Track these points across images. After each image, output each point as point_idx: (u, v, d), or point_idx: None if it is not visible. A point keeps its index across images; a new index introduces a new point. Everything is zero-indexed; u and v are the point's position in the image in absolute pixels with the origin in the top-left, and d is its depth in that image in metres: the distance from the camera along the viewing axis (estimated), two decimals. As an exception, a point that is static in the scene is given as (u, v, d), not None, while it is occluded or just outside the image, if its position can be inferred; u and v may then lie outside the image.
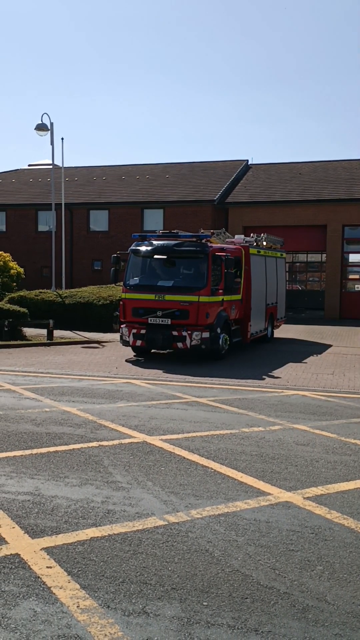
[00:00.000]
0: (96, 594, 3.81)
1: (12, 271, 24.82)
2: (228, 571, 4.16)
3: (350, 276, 28.76)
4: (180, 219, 28.87)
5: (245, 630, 3.45)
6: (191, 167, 35.42)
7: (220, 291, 14.78)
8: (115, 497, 5.48)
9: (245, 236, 18.62)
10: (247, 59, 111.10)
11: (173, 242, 14.95)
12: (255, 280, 17.26)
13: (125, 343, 14.93)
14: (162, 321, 14.32)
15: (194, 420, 8.61)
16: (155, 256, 14.90)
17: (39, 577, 4.01)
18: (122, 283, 15.47)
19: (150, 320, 14.42)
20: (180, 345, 14.19)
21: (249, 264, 16.86)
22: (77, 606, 3.66)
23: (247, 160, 35.58)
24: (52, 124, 24.34)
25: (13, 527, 4.79)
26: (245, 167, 34.64)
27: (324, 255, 29.18)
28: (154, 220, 30.46)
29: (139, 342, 14.65)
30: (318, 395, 10.85)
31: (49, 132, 24.15)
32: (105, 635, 3.37)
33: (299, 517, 5.12)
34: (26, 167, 40.64)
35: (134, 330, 14.62)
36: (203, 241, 14.96)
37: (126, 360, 14.69)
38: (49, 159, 30.14)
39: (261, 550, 4.48)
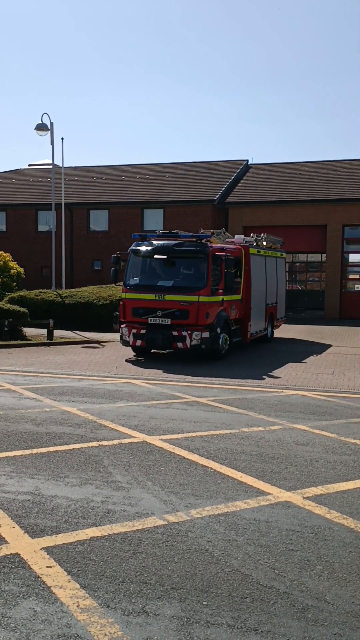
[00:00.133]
0: (96, 594, 3.82)
1: (12, 271, 24.83)
2: (228, 571, 4.17)
3: (350, 276, 28.77)
4: (180, 219, 28.88)
5: (245, 629, 3.46)
6: (191, 167, 35.43)
7: (220, 291, 14.78)
8: (115, 497, 5.48)
9: (245, 236, 18.62)
10: (247, 58, 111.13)
11: (173, 242, 14.96)
12: (255, 280, 17.26)
13: (125, 343, 14.94)
14: (162, 321, 14.33)
15: (194, 420, 8.61)
16: (155, 256, 14.91)
17: (38, 576, 4.02)
18: (122, 283, 15.48)
19: (150, 320, 14.42)
20: (180, 345, 14.19)
21: (249, 264, 16.87)
22: (77, 606, 3.66)
23: (247, 160, 35.60)
24: (52, 123, 24.35)
25: (13, 527, 4.79)
26: (245, 167, 34.65)
27: (324, 255, 29.19)
28: (154, 220, 30.47)
29: (139, 342, 14.65)
30: (318, 395, 10.86)
31: (49, 132, 24.16)
32: (105, 634, 3.38)
33: (299, 516, 5.12)
34: (26, 167, 40.65)
35: (134, 330, 14.63)
36: (203, 241, 14.96)
37: (126, 360, 14.70)
38: (49, 159, 30.19)
39: (261, 550, 4.48)
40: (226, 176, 32.55)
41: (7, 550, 4.39)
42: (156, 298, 14.37)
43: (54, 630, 3.41)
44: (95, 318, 20.81)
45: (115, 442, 7.33)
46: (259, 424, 8.50)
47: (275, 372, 13.31)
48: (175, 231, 16.57)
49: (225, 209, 29.56)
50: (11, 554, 4.34)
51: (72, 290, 23.12)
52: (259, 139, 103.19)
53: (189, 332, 14.08)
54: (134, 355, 15.40)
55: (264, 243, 18.57)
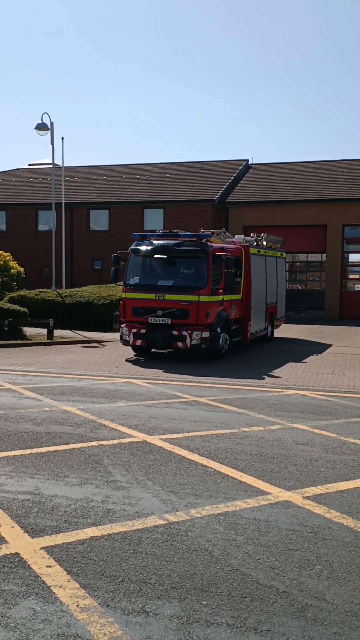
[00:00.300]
0: (96, 593, 3.82)
1: (12, 271, 24.82)
2: (227, 570, 4.17)
3: (350, 276, 28.77)
4: (181, 219, 28.89)
5: (245, 629, 3.46)
6: (191, 167, 35.43)
7: (220, 291, 14.79)
8: (115, 497, 5.49)
9: (245, 236, 18.62)
10: (247, 58, 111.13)
11: (173, 242, 14.96)
12: (255, 280, 17.27)
13: (125, 342, 14.94)
14: (162, 321, 14.33)
15: (194, 420, 8.61)
16: (156, 256, 14.91)
17: (38, 576, 4.02)
18: (122, 282, 15.48)
19: (151, 319, 14.43)
20: (180, 344, 14.20)
21: (249, 263, 16.87)
22: (77, 605, 3.67)
23: (247, 160, 35.58)
24: (52, 123, 24.34)
25: (13, 527, 4.80)
26: (245, 167, 34.64)
27: (324, 255, 29.19)
28: (154, 219, 30.47)
29: (139, 342, 14.66)
30: (318, 394, 10.86)
31: (49, 131, 24.14)
32: (105, 634, 3.38)
33: (299, 516, 5.13)
34: (26, 166, 40.65)
35: (134, 330, 14.63)
36: (203, 241, 14.96)
37: (126, 360, 14.70)
38: (49, 159, 30.18)
39: (260, 550, 4.48)
40: (226, 176, 32.55)
41: (6, 549, 4.39)
42: (156, 298, 14.37)
43: (54, 630, 3.41)
44: (96, 318, 20.82)
45: (115, 441, 7.33)
46: (259, 423, 8.51)
47: (275, 372, 13.31)
48: (175, 231, 16.57)
49: (226, 209, 29.57)
50: (11, 553, 4.34)
51: (72, 289, 23.12)
52: (259, 139, 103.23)
53: (189, 331, 14.09)
54: (134, 355, 15.41)
55: (264, 243, 18.58)
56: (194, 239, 15.07)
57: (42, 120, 23.82)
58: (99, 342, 18.21)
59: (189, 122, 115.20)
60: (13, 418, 8.41)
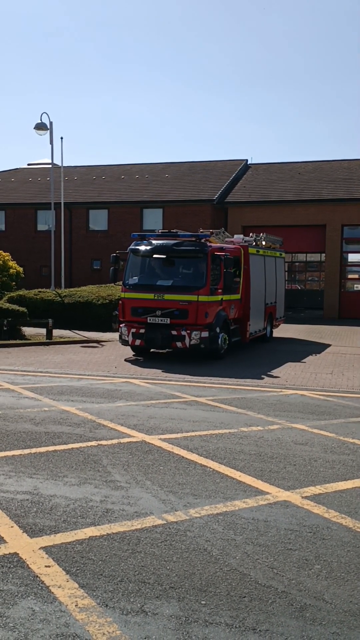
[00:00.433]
0: (94, 593, 3.82)
1: (11, 270, 24.81)
2: (226, 570, 4.17)
3: (350, 276, 28.79)
4: (180, 219, 28.89)
5: (243, 629, 3.46)
6: (190, 167, 35.43)
7: (220, 291, 14.79)
8: (114, 497, 5.49)
9: (244, 236, 18.62)
10: (246, 58, 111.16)
11: (172, 242, 14.96)
12: (255, 279, 17.27)
13: (124, 342, 14.94)
14: (161, 320, 14.34)
15: (193, 420, 8.62)
16: (155, 256, 14.91)
17: (37, 576, 4.02)
18: (121, 282, 15.48)
19: (150, 319, 14.43)
20: (179, 344, 14.20)
21: (248, 263, 16.87)
22: (76, 605, 3.67)
23: (247, 160, 35.59)
24: (51, 123, 24.34)
25: (12, 527, 4.80)
26: (244, 167, 34.65)
27: (323, 255, 29.20)
28: (153, 219, 30.47)
29: (138, 342, 14.66)
30: (317, 394, 10.86)
31: (48, 131, 24.14)
32: (104, 634, 3.38)
33: (297, 516, 5.13)
34: (25, 166, 40.62)
35: (133, 330, 14.63)
36: (202, 241, 14.97)
37: (125, 360, 14.70)
38: (48, 158, 30.22)
39: (259, 550, 4.49)
40: (225, 176, 32.55)
41: (5, 549, 4.39)
42: (155, 297, 14.37)
43: (53, 630, 3.41)
44: (95, 317, 20.82)
45: (114, 441, 7.33)
46: (258, 423, 8.51)
47: (274, 372, 13.32)
48: (174, 231, 16.58)
49: (225, 209, 29.57)
50: (10, 553, 4.34)
51: (72, 289, 23.11)
52: (258, 139, 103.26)
53: (188, 331, 14.09)
54: (133, 355, 15.41)
55: (263, 243, 18.58)
56: (193, 239, 15.07)
57: (41, 120, 23.83)
58: (98, 342, 18.21)
59: (188, 121, 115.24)
60: (12, 418, 8.41)
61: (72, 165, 36.90)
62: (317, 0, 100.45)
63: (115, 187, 33.41)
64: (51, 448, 6.99)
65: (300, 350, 17.13)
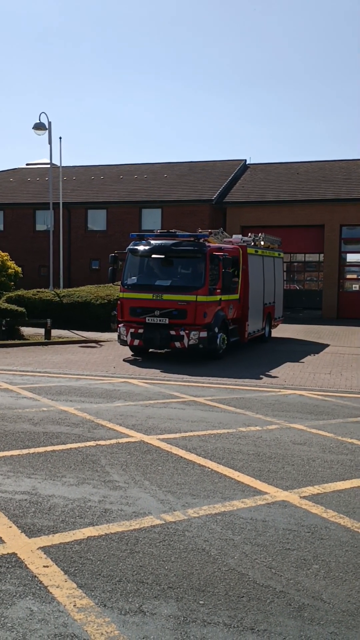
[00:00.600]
0: (93, 593, 3.82)
1: (10, 270, 24.80)
2: (224, 570, 4.17)
3: (348, 276, 28.80)
4: (178, 219, 28.89)
5: (242, 628, 3.46)
6: (189, 167, 35.43)
7: (218, 291, 14.79)
8: (112, 497, 5.49)
9: (243, 236, 18.63)
10: (245, 58, 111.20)
11: (171, 242, 14.97)
12: (253, 279, 17.28)
13: (123, 342, 14.94)
14: (160, 320, 14.34)
15: (191, 420, 8.62)
16: (153, 256, 14.91)
17: (35, 576, 4.02)
18: (119, 282, 15.48)
19: (148, 319, 14.43)
20: (178, 344, 14.20)
21: (247, 263, 16.88)
22: (74, 605, 3.67)
23: (245, 160, 35.60)
24: (50, 123, 24.34)
25: (10, 527, 4.79)
26: (243, 167, 34.65)
27: (322, 255, 29.22)
28: (151, 219, 30.48)
29: (136, 342, 14.66)
30: (315, 394, 10.87)
31: (47, 131, 24.14)
32: (102, 634, 3.38)
33: (296, 516, 5.14)
34: (24, 166, 40.60)
35: (132, 330, 14.63)
36: (201, 241, 14.97)
37: (124, 360, 14.70)
38: (47, 158, 30.19)
39: (257, 549, 4.49)
40: (224, 176, 32.56)
41: (4, 549, 4.39)
42: (154, 297, 14.37)
43: (51, 630, 3.41)
44: (93, 317, 20.81)
45: (113, 441, 7.33)
46: (257, 423, 8.51)
47: (273, 372, 13.32)
48: (173, 231, 16.58)
49: (223, 209, 29.58)
50: (8, 553, 4.34)
51: (70, 289, 23.11)
52: (257, 139, 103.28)
53: (187, 331, 14.09)
54: (132, 355, 15.41)
55: (262, 243, 18.59)
56: (192, 239, 15.07)
57: (39, 119, 23.83)
58: (96, 342, 18.20)
59: (187, 122, 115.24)
60: (10, 418, 8.41)
61: (71, 165, 36.93)
62: (316, 0, 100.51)
63: (113, 187, 33.40)
64: (49, 448, 6.99)
65: (299, 350, 17.14)
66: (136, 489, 5.69)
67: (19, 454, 6.73)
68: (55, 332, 18.85)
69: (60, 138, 27.62)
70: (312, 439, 7.73)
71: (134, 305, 14.68)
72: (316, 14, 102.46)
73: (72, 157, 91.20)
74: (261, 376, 12.78)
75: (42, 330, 18.48)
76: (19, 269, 25.53)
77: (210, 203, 29.28)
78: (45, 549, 4.41)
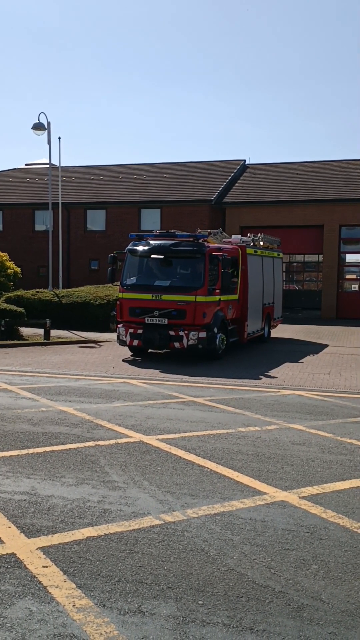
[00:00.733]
0: (92, 593, 3.82)
1: (9, 271, 24.78)
2: (223, 570, 4.18)
3: (347, 276, 28.80)
4: (178, 219, 28.88)
5: (241, 628, 3.46)
6: (188, 167, 35.43)
7: (217, 291, 14.79)
8: (111, 497, 5.49)
9: (242, 236, 18.63)
10: (244, 58, 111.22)
11: (170, 242, 14.96)
12: (252, 280, 17.28)
13: (122, 343, 14.94)
14: (159, 321, 14.33)
15: (191, 420, 8.62)
16: (152, 256, 14.90)
17: (34, 576, 4.02)
18: (119, 283, 15.47)
19: (147, 320, 14.43)
20: (177, 345, 14.20)
21: (246, 264, 16.88)
22: (73, 605, 3.67)
23: (245, 160, 35.59)
24: (49, 123, 24.33)
25: (9, 527, 4.79)
26: (242, 167, 34.65)
27: (321, 255, 29.22)
28: (151, 220, 30.47)
29: (135, 342, 14.65)
30: (314, 395, 10.87)
31: (46, 131, 24.13)
32: (101, 634, 3.38)
33: (295, 516, 5.14)
34: (23, 166, 40.59)
35: (131, 330, 14.63)
36: (200, 241, 14.97)
37: (123, 360, 14.70)
38: (46, 159, 30.14)
39: (257, 550, 4.49)
40: (223, 176, 32.56)
41: (3, 550, 4.39)
42: (153, 298, 14.37)
43: (50, 630, 3.41)
44: (92, 318, 20.80)
45: (112, 441, 7.33)
46: (256, 423, 8.52)
47: (272, 372, 13.32)
48: (172, 231, 16.57)
49: (223, 209, 29.57)
50: (7, 553, 4.34)
51: (69, 290, 23.10)
52: (256, 139, 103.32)
53: (186, 331, 14.09)
54: (131, 355, 15.41)
55: (261, 243, 18.59)
56: (191, 239, 15.07)
57: (39, 120, 23.81)
58: (95, 342, 18.20)
59: (186, 122, 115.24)
60: (9, 418, 8.41)
61: (70, 165, 36.90)
62: (314, 1, 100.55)
63: (113, 187, 33.39)
64: (49, 448, 6.99)
65: (298, 350, 17.14)
66: (135, 489, 5.69)
67: (18, 454, 6.73)
68: (54, 333, 18.84)
69: (59, 138, 27.61)
70: (311, 439, 7.73)
71: (133, 306, 14.67)
72: (315, 15, 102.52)
73: (71, 157, 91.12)
74: (260, 376, 12.78)
75: (41, 331, 18.47)
76: (18, 269, 25.51)
77: (210, 203, 29.28)
78: (45, 549, 4.41)
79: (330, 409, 9.71)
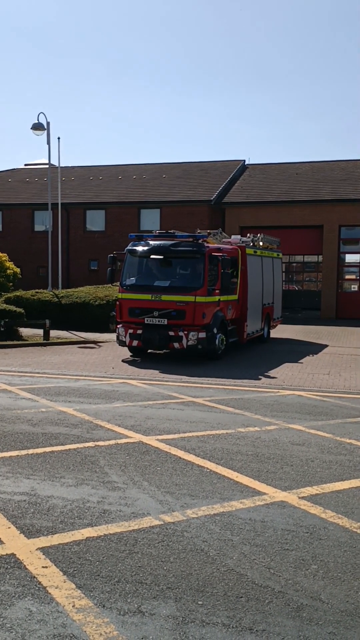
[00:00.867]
0: (92, 594, 3.83)
1: (8, 271, 24.79)
2: (223, 570, 4.18)
3: (347, 276, 28.81)
4: (177, 219, 28.89)
5: (240, 629, 3.47)
6: (188, 167, 35.44)
7: (217, 291, 14.79)
8: (111, 497, 5.49)
9: (241, 236, 18.64)
10: (243, 58, 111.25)
11: (170, 242, 14.97)
12: (252, 280, 17.28)
13: (121, 343, 14.94)
14: (159, 321, 14.33)
15: (190, 420, 8.62)
16: (152, 256, 14.91)
17: (34, 576, 4.02)
18: (118, 283, 15.47)
19: (147, 320, 14.43)
20: (176, 345, 14.20)
21: (246, 264, 16.88)
22: (73, 606, 3.67)
23: (244, 160, 35.60)
24: (48, 123, 24.32)
25: (9, 527, 4.80)
26: (242, 167, 34.66)
27: (321, 255, 29.23)
28: (150, 220, 30.47)
29: (135, 342, 14.65)
30: (314, 395, 10.88)
31: (45, 131, 24.11)
32: (101, 634, 3.38)
33: (294, 516, 5.14)
34: (23, 166, 40.58)
35: (131, 331, 14.63)
36: (200, 241, 14.97)
37: (122, 361, 14.70)
38: (45, 159, 30.14)
39: (256, 550, 4.50)
40: (223, 176, 32.56)
41: (2, 550, 4.40)
42: (153, 298, 14.37)
43: (50, 630, 3.42)
44: (92, 318, 20.80)
45: (112, 442, 7.34)
46: (255, 424, 8.52)
47: (272, 372, 13.33)
48: (171, 231, 16.58)
49: (222, 209, 29.58)
50: (7, 554, 4.34)
51: (69, 290, 23.10)
52: (256, 139, 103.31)
53: (186, 332, 14.10)
54: (131, 356, 15.41)
55: (261, 243, 18.60)
56: (191, 240, 15.08)
57: (38, 120, 23.80)
58: (95, 342, 18.20)
59: (185, 122, 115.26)
60: (9, 419, 8.41)
61: (70, 165, 36.88)
62: (312, 1, 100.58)
63: (112, 187, 33.39)
64: (48, 449, 6.99)
65: (298, 350, 17.15)
66: (135, 490, 5.69)
67: (17, 455, 6.73)
68: (53, 333, 18.84)
69: (58, 138, 27.59)
70: (311, 439, 7.74)
71: (133, 306, 14.68)
72: (314, 15, 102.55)
73: (70, 157, 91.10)
74: (260, 377, 12.79)
75: (40, 331, 18.48)
76: (18, 270, 25.52)
77: (209, 203, 29.29)
78: (44, 550, 4.41)
79: (329, 409, 9.72)
